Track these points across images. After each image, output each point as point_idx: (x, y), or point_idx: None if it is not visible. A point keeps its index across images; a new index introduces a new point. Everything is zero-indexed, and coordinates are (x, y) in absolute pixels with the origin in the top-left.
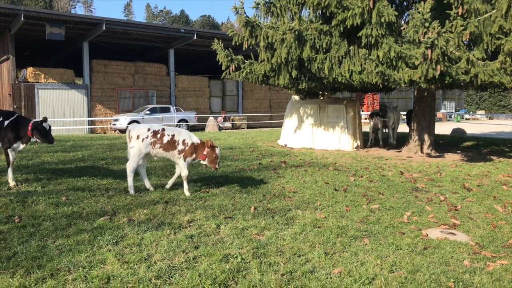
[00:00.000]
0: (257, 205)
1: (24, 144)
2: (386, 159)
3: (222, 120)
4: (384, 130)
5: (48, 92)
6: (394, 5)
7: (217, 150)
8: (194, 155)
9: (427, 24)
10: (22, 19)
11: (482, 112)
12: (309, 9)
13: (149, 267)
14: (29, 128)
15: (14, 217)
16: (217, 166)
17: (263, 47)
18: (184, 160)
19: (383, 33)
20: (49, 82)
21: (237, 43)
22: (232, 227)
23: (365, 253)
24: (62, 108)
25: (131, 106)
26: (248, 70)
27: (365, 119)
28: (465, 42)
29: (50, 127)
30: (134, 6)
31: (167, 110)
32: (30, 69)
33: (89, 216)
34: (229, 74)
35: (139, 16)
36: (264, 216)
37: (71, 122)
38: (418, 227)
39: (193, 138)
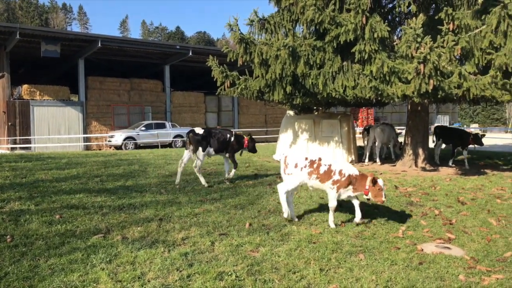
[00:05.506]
0: (252, 221)
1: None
2: (381, 174)
3: None
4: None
5: (44, 109)
6: (386, 21)
7: (380, 182)
8: (350, 187)
9: (419, 39)
10: (18, 36)
11: (476, 125)
12: (303, 25)
13: (142, 286)
14: (245, 142)
15: (6, 236)
16: (383, 199)
17: (257, 63)
18: (337, 192)
19: (376, 48)
20: (44, 99)
21: (232, 60)
22: (227, 244)
23: (360, 269)
24: (57, 125)
25: (127, 123)
26: (243, 86)
27: (360, 133)
28: (457, 57)
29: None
30: (130, 23)
31: (162, 126)
32: (25, 86)
33: (83, 234)
34: (224, 90)
35: (135, 33)
36: (259, 232)
37: (66, 139)
38: (413, 242)
39: (350, 169)
